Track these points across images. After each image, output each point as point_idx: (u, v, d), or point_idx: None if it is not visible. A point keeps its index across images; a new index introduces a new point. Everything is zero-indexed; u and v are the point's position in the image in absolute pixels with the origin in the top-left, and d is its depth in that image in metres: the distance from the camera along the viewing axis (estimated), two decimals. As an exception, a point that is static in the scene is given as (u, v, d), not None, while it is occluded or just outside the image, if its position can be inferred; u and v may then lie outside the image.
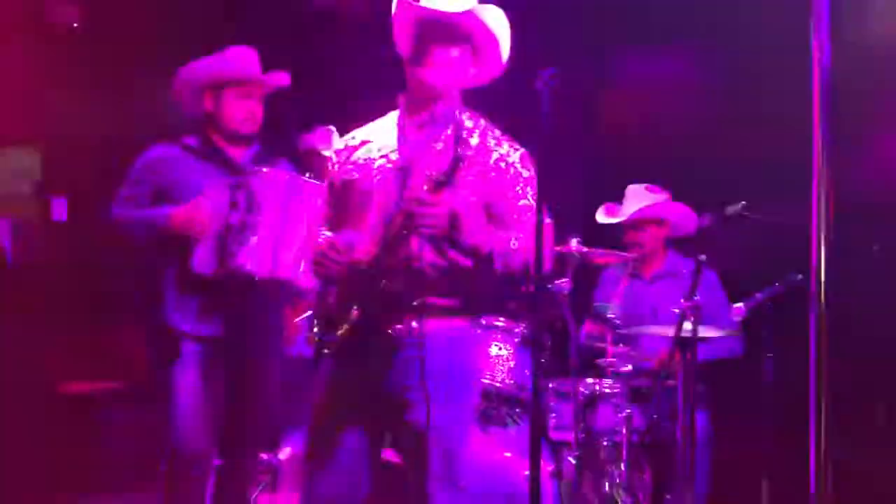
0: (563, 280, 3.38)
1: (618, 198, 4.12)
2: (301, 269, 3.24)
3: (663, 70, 4.46)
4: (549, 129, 2.08)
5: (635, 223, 3.99)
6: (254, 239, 3.19)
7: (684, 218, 3.99)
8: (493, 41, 2.50)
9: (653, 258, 4.06)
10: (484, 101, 2.61)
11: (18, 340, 4.60)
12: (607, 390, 3.54)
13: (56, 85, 4.79)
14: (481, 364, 2.57)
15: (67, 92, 4.82)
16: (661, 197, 4.02)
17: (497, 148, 2.52)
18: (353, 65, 5.18)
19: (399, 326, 2.40)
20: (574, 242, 3.45)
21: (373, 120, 2.67)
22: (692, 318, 2.95)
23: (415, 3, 2.48)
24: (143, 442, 4.36)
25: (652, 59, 4.46)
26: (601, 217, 4.06)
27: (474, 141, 2.50)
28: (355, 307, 2.40)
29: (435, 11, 2.46)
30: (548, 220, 2.45)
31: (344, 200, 2.60)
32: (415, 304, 2.39)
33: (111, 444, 4.59)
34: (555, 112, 2.07)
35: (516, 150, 2.54)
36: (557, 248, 3.30)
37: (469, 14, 2.45)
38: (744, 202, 3.45)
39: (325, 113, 4.75)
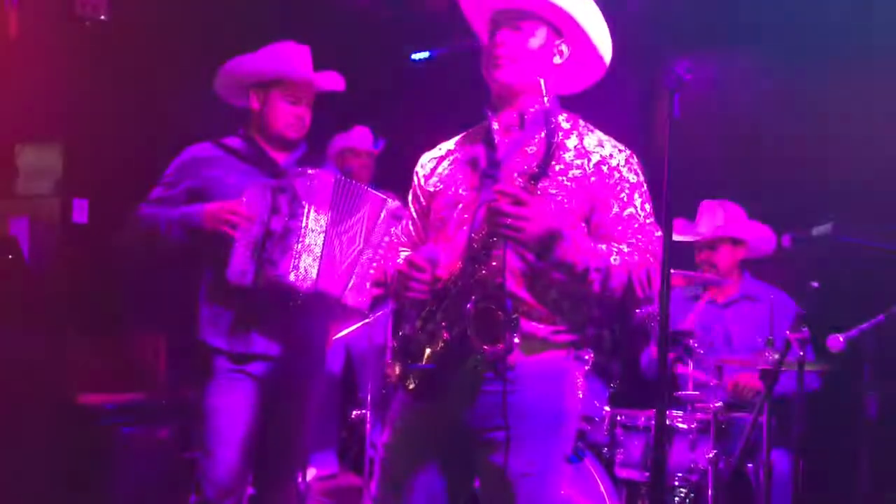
0: (652, 306, 3.07)
1: (688, 214, 3.83)
2: (351, 286, 2.95)
3: (741, 77, 4.19)
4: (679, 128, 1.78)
5: (710, 242, 3.70)
6: (297, 247, 2.90)
7: (762, 239, 3.70)
8: (574, 26, 2.19)
9: (727, 281, 3.75)
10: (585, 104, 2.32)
11: (34, 347, 4.40)
12: (682, 424, 3.23)
13: (81, 81, 4.59)
14: (579, 404, 2.20)
15: (93, 88, 4.62)
16: (736, 214, 3.72)
17: (598, 149, 2.20)
18: (387, 65, 5.00)
19: (490, 351, 2.05)
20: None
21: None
22: (801, 353, 2.64)
23: None
24: (165, 462, 4.15)
25: (729, 65, 4.19)
26: (677, 231, 3.77)
27: (572, 142, 2.20)
28: (444, 331, 2.10)
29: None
30: (658, 234, 2.15)
31: (428, 216, 2.32)
32: (506, 326, 2.03)
33: (131, 463, 4.34)
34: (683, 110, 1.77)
35: (621, 151, 2.23)
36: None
37: None
38: (832, 222, 3.17)
39: (357, 113, 4.54)
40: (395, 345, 2.22)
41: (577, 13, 2.19)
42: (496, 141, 2.24)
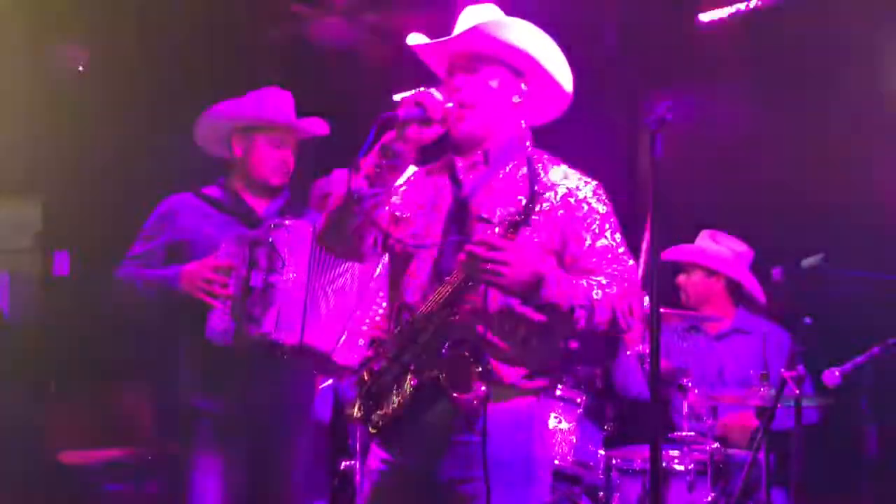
0: (643, 345, 3.01)
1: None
2: (341, 341, 2.87)
3: (728, 111, 4.19)
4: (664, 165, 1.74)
5: (685, 266, 3.68)
6: (279, 302, 2.83)
7: (741, 276, 3.64)
8: (534, 64, 2.16)
9: (720, 314, 3.70)
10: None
11: (15, 403, 4.31)
12: (678, 466, 3.15)
13: (60, 133, 4.55)
14: (551, 450, 2.14)
15: (72, 141, 4.58)
16: (724, 247, 3.68)
17: (564, 181, 2.16)
18: (369, 105, 4.98)
19: (463, 398, 1.99)
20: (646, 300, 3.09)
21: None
22: (799, 391, 2.58)
23: (419, 43, 2.21)
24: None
25: (712, 100, 4.20)
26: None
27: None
28: (412, 376, 2.03)
29: (422, 45, 2.20)
30: (631, 262, 2.12)
31: (394, 259, 2.25)
32: (479, 371, 1.98)
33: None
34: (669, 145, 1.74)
35: (587, 183, 2.18)
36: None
37: (472, 34, 2.12)
38: (823, 254, 3.13)
39: (340, 157, 4.50)
40: (358, 383, 2.15)
41: (536, 52, 2.15)
42: (461, 178, 2.21)
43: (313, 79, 5.04)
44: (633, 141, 4.58)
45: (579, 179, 2.17)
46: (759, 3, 4.15)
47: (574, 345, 2.61)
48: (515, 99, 2.19)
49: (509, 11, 2.21)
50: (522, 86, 2.20)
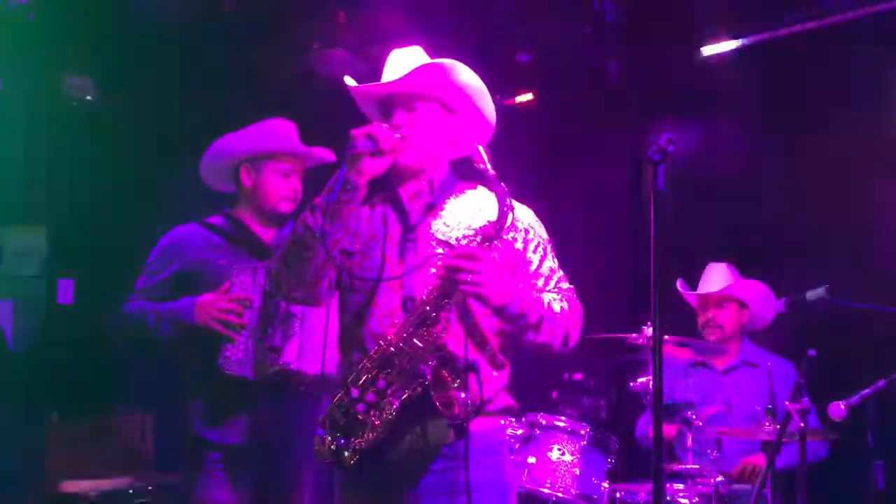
0: (646, 378, 2.99)
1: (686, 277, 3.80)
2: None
3: (729, 143, 4.22)
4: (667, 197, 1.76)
5: (718, 300, 3.65)
6: (301, 331, 2.80)
7: (766, 307, 3.65)
8: (465, 100, 2.30)
9: (728, 347, 3.69)
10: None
11: (17, 432, 4.28)
12: (683, 500, 3.12)
13: (67, 161, 4.57)
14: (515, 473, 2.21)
15: (78, 169, 4.60)
16: (743, 279, 3.70)
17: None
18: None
19: (449, 416, 2.02)
20: (650, 330, 3.07)
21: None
22: (803, 423, 2.57)
23: (357, 85, 2.35)
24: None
25: (721, 134, 4.23)
26: (681, 287, 3.72)
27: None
28: (393, 399, 2.04)
29: (362, 88, 2.33)
30: (569, 285, 2.26)
31: (350, 293, 2.33)
32: (458, 385, 2.04)
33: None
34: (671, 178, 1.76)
35: (527, 209, 2.34)
36: (633, 338, 2.95)
37: (407, 79, 2.25)
38: (826, 285, 3.12)
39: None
40: (326, 417, 2.14)
41: (468, 90, 2.28)
42: (406, 207, 2.30)
43: (320, 111, 5.09)
44: (634, 174, 4.61)
45: (519, 205, 2.28)
46: (761, 38, 4.20)
47: (578, 376, 2.66)
48: (449, 132, 2.32)
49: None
50: (454, 121, 2.33)
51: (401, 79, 2.26)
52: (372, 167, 2.17)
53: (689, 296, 3.76)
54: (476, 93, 2.30)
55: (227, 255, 2.97)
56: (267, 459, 2.90)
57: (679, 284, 3.77)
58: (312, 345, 2.81)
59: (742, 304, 3.72)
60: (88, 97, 4.84)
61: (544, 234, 2.31)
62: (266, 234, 3.07)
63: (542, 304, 2.16)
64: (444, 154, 2.33)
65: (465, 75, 2.27)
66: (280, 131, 3.09)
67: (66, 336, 4.64)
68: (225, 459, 2.88)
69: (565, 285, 2.28)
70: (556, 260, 2.30)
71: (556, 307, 2.17)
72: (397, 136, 2.19)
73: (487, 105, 2.33)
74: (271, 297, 2.83)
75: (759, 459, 3.36)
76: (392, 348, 2.08)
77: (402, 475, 2.11)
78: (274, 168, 3.03)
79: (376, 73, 2.40)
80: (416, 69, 2.24)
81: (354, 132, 2.15)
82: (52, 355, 4.61)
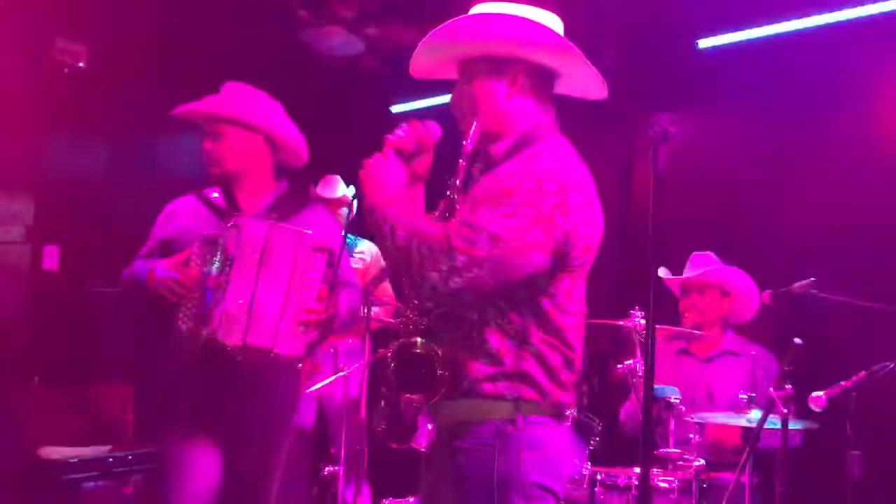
0: (634, 361, 3.02)
1: (668, 267, 3.82)
2: (279, 334, 2.82)
3: (719, 136, 4.24)
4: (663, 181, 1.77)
5: (700, 286, 3.68)
6: (225, 302, 2.79)
7: (749, 296, 3.68)
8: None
9: (710, 335, 3.73)
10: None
11: (-1, 399, 4.27)
12: (663, 483, 3.16)
13: (53, 127, 4.54)
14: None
15: (64, 135, 4.56)
16: (727, 267, 3.73)
17: None
18: (365, 119, 5.01)
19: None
20: (639, 315, 3.11)
21: None
22: (787, 410, 2.60)
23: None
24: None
25: (706, 125, 4.25)
26: (663, 273, 3.75)
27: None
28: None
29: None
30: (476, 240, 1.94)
31: None
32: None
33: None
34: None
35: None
36: (621, 322, 2.96)
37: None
38: (813, 279, 3.17)
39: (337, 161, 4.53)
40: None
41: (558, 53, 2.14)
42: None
43: (311, 85, 5.08)
44: (628, 164, 4.63)
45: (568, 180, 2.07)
46: (758, 32, 4.22)
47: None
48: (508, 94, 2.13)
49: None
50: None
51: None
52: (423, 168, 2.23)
53: (671, 281, 3.79)
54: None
55: (204, 225, 2.97)
56: (236, 424, 2.90)
57: (661, 271, 3.80)
58: (235, 316, 2.80)
59: (724, 293, 3.75)
60: (80, 64, 4.80)
61: (545, 206, 1.96)
62: (250, 204, 3.04)
63: (409, 229, 1.99)
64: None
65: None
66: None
67: (50, 302, 4.63)
68: (195, 424, 2.89)
69: (477, 239, 1.93)
70: (512, 220, 1.94)
71: (413, 226, 1.99)
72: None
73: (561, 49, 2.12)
74: (211, 268, 2.84)
75: (735, 437, 3.41)
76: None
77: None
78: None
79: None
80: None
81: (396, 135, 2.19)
82: (36, 321, 4.59)
